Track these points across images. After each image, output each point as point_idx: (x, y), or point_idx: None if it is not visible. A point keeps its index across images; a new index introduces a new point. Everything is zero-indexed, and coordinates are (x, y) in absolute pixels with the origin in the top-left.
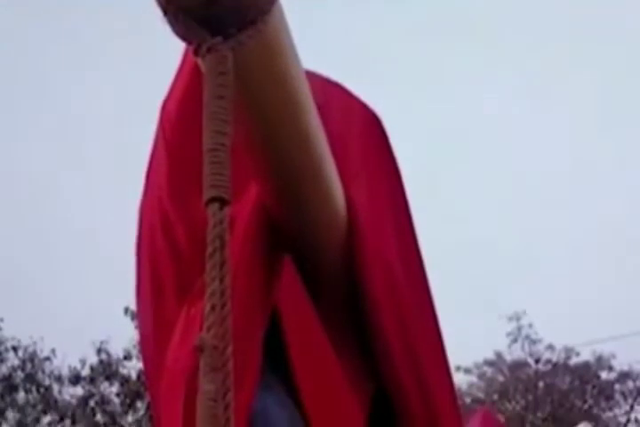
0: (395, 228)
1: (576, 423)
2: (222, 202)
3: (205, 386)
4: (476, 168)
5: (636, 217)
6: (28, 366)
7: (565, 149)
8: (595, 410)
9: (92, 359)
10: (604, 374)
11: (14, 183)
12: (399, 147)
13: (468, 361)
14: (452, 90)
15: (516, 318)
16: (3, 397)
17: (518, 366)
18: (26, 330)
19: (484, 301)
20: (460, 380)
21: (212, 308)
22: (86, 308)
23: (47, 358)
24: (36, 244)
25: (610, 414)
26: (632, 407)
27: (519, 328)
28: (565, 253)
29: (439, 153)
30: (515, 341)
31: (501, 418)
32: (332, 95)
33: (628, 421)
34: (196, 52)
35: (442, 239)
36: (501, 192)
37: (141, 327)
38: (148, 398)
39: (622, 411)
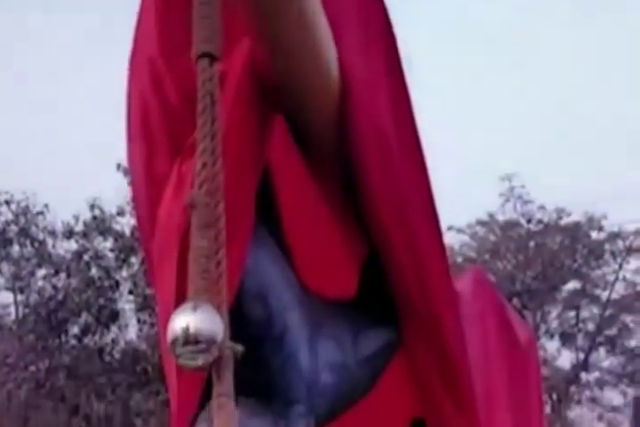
0: (390, 95)
1: (565, 282)
2: (212, 58)
3: (197, 242)
4: None
5: None
6: (22, 220)
7: None
8: (584, 269)
9: (86, 215)
10: (594, 234)
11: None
12: None
13: (460, 221)
14: None
15: (509, 178)
16: None
17: (510, 226)
18: (18, 186)
19: (478, 161)
20: (452, 239)
21: (204, 165)
22: (78, 164)
23: (40, 213)
24: (26, 100)
25: (599, 272)
26: (621, 266)
27: (511, 189)
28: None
29: None
30: (507, 201)
31: (492, 277)
32: None
33: (617, 279)
34: None
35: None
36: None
37: (134, 185)
38: (141, 254)
39: (611, 270)
